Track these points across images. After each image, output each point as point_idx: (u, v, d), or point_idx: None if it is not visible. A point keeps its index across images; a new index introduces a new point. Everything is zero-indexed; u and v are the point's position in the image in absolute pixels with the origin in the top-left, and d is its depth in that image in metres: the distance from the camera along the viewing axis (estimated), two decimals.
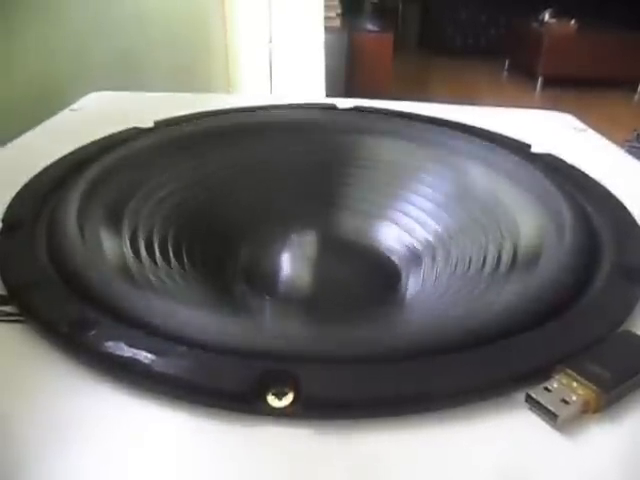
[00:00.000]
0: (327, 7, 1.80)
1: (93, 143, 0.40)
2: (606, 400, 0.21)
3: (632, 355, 0.23)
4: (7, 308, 0.25)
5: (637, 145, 1.59)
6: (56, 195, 0.33)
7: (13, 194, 0.33)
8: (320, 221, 0.41)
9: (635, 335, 0.24)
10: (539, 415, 0.21)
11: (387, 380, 0.21)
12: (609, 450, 0.20)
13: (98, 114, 0.51)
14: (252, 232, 0.40)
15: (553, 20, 3.12)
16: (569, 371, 0.21)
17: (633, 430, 0.21)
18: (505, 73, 3.51)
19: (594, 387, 0.21)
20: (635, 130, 1.69)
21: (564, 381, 0.21)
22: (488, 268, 0.33)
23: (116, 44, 0.79)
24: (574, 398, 0.20)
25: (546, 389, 0.21)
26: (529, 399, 0.21)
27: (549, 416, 0.20)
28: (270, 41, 1.57)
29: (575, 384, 0.21)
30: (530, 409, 0.21)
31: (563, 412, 0.20)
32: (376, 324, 0.33)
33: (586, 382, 0.21)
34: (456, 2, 3.66)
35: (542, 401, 0.21)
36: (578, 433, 0.20)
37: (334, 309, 0.35)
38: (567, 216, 0.31)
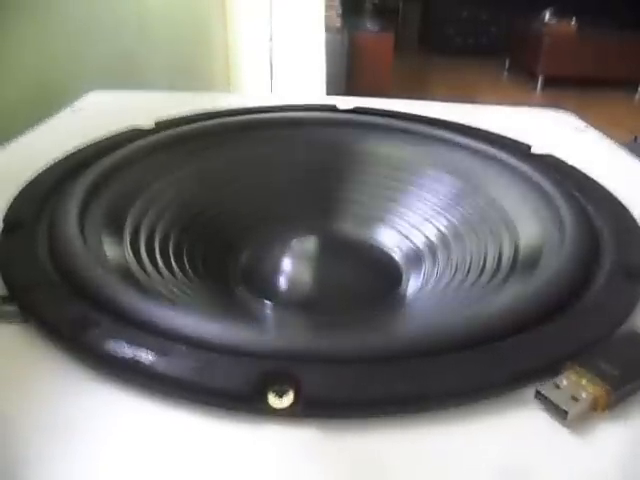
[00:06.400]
0: (327, 7, 1.80)
1: (94, 143, 0.40)
2: (615, 397, 0.21)
3: None
4: (8, 308, 0.25)
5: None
6: (57, 195, 0.33)
7: (14, 194, 0.33)
8: (321, 222, 0.42)
9: None
10: (548, 412, 0.21)
11: (389, 380, 0.21)
12: (618, 447, 0.20)
13: (98, 114, 0.51)
14: (252, 234, 0.40)
15: (553, 20, 3.12)
16: (578, 368, 0.21)
17: None
18: (505, 73, 3.51)
19: (604, 384, 0.21)
20: (634, 135, 1.68)
21: (573, 378, 0.21)
22: (489, 268, 0.33)
23: (116, 44, 0.79)
24: (583, 395, 0.21)
25: (556, 386, 0.21)
26: (538, 396, 0.21)
27: (558, 413, 0.20)
28: (270, 40, 1.57)
29: (584, 381, 0.21)
30: (539, 406, 0.21)
31: (572, 409, 0.20)
32: (378, 324, 0.33)
33: (596, 379, 0.21)
34: (456, 2, 3.65)
35: (551, 398, 0.21)
36: (587, 430, 0.20)
37: (335, 310, 0.35)
38: (568, 216, 0.31)
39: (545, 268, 0.29)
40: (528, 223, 0.34)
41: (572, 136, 0.51)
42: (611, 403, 0.21)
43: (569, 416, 0.20)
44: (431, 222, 0.39)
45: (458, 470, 0.19)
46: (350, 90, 2.35)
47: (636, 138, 1.64)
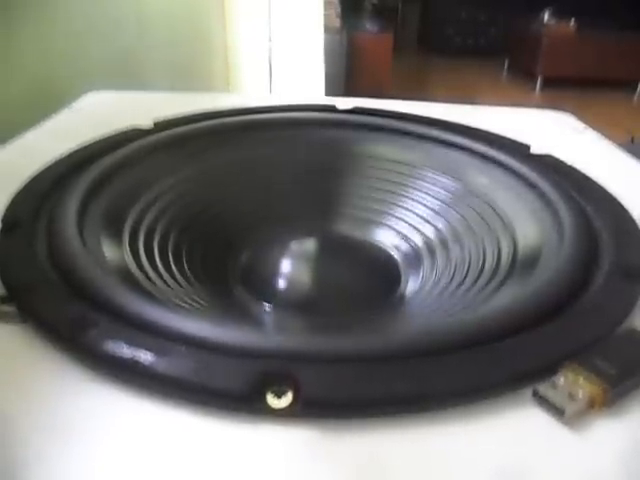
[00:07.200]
0: (327, 7, 1.80)
1: (93, 143, 0.40)
2: (612, 395, 0.21)
3: (638, 352, 0.23)
4: (7, 309, 0.25)
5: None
6: (56, 195, 0.33)
7: (13, 194, 0.33)
8: (320, 223, 0.41)
9: None
10: (546, 411, 0.21)
11: (388, 380, 0.21)
12: (615, 445, 0.20)
13: (98, 114, 0.51)
14: (252, 234, 0.39)
15: (553, 20, 3.12)
16: (576, 367, 0.21)
17: (639, 425, 0.21)
18: (505, 73, 3.52)
19: (601, 382, 0.21)
20: (631, 135, 1.68)
21: (571, 377, 0.21)
22: (488, 269, 0.33)
23: (116, 44, 0.79)
24: (581, 394, 0.21)
25: (553, 385, 0.21)
26: (536, 395, 0.21)
27: (556, 411, 0.21)
28: (269, 40, 1.57)
29: (581, 380, 0.21)
30: (537, 405, 0.21)
31: (570, 407, 0.20)
32: (377, 324, 0.33)
33: (593, 378, 0.21)
34: (456, 2, 3.66)
35: (549, 396, 0.21)
36: (585, 428, 0.20)
37: (334, 310, 0.35)
38: (567, 217, 0.31)
39: (544, 269, 0.29)
40: (527, 224, 0.34)
41: (571, 137, 0.51)
42: (609, 401, 0.21)
43: (566, 414, 0.20)
44: (430, 223, 0.39)
45: (457, 470, 0.19)
46: (349, 90, 2.35)
47: (633, 139, 1.64)
